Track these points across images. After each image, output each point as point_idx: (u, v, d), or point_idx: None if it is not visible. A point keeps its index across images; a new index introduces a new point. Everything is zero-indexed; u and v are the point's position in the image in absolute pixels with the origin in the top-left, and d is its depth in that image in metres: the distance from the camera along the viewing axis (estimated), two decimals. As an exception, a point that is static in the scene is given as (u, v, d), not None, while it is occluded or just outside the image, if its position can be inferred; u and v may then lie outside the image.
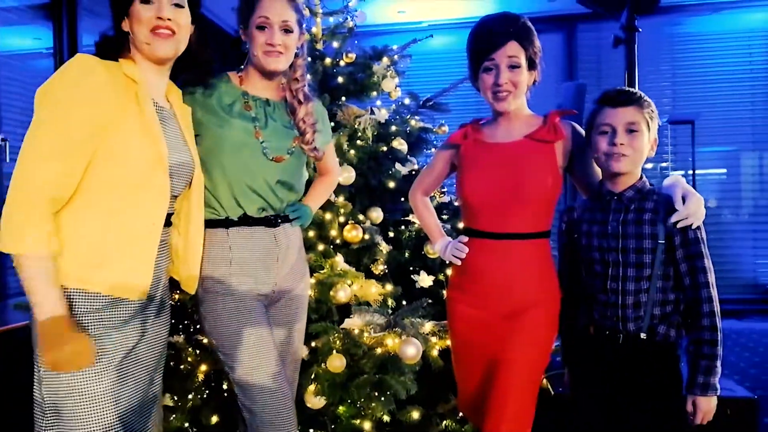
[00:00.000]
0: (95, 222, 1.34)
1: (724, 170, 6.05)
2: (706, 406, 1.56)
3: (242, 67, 1.74)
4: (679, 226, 1.57)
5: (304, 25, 1.72)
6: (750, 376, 3.78)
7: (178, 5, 1.43)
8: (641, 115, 1.61)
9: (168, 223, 1.52)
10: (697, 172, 5.55)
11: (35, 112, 1.29)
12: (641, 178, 1.67)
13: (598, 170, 1.75)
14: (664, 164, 5.97)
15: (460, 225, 1.95)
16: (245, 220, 1.67)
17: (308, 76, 1.78)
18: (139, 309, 1.44)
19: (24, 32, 4.10)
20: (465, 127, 1.83)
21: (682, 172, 5.65)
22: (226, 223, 1.66)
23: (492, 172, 1.72)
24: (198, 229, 1.60)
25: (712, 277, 1.57)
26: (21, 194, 1.25)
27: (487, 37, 1.69)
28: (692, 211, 1.56)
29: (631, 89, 1.67)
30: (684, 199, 1.58)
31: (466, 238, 1.80)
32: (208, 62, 1.60)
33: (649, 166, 6.01)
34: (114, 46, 1.43)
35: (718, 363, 1.55)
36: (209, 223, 1.67)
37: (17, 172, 1.26)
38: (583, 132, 1.76)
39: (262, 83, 1.72)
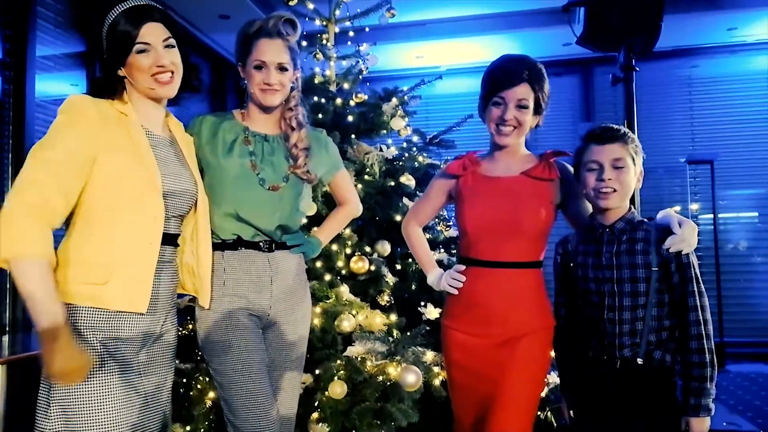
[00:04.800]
0: (98, 243, 1.45)
1: (752, 213, 5.96)
2: (698, 427, 1.58)
3: (245, 104, 1.87)
4: (672, 250, 1.61)
5: (298, 62, 1.84)
6: (774, 420, 3.67)
7: (169, 46, 1.55)
8: (626, 151, 1.68)
9: (174, 243, 1.62)
10: (720, 214, 5.50)
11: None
12: (630, 209, 1.72)
13: (587, 206, 1.82)
14: (693, 207, 5.89)
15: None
16: (239, 244, 1.76)
17: (302, 107, 1.88)
18: (144, 324, 1.52)
19: (61, 78, 4.34)
20: (462, 159, 1.90)
21: (710, 216, 5.58)
22: (222, 247, 1.76)
23: (490, 203, 1.80)
24: (206, 246, 1.70)
25: (703, 301, 1.61)
26: (16, 207, 1.35)
27: (502, 74, 1.77)
28: (686, 236, 1.62)
29: (615, 126, 1.74)
30: (680, 226, 1.63)
31: (462, 267, 1.85)
32: (196, 82, 1.70)
33: (677, 209, 5.94)
34: (109, 89, 1.55)
35: (709, 384, 1.57)
36: None
37: (12, 191, 1.37)
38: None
39: (262, 118, 1.85)
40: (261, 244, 1.78)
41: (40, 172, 1.38)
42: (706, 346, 1.58)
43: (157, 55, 1.51)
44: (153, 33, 1.52)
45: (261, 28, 1.76)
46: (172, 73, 1.55)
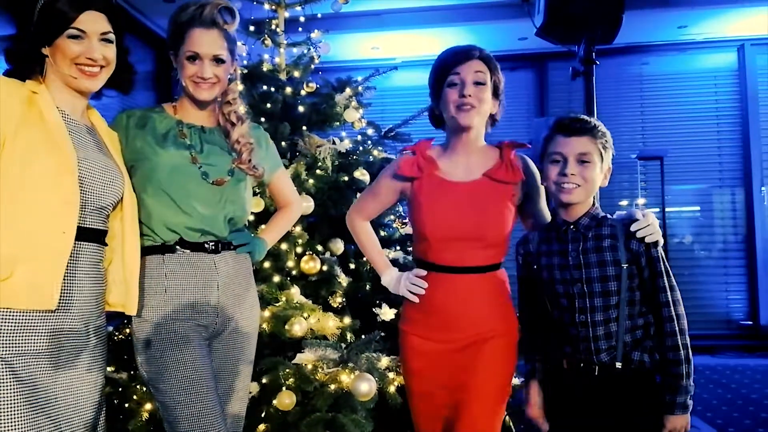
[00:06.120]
0: (1, 235, 1.27)
1: (696, 207, 6.12)
2: (672, 424, 1.53)
3: (176, 97, 1.71)
4: (639, 234, 1.54)
5: (236, 51, 1.69)
6: (722, 413, 3.73)
7: (107, 40, 1.42)
8: (594, 145, 1.59)
9: (101, 242, 1.45)
10: (668, 209, 5.60)
11: None
12: (594, 205, 1.64)
13: (545, 209, 1.75)
14: (639, 201, 6.02)
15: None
16: (182, 246, 1.60)
17: (241, 100, 1.74)
18: (64, 339, 1.35)
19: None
20: (416, 158, 1.74)
21: (657, 209, 5.69)
22: (162, 249, 1.59)
23: (452, 211, 1.68)
24: (134, 248, 1.53)
25: (674, 295, 1.55)
26: None
27: (453, 55, 1.67)
28: (652, 221, 1.56)
29: (586, 118, 1.64)
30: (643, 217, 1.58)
31: (423, 272, 1.73)
32: (129, 82, 1.57)
33: (624, 202, 6.06)
34: (26, 68, 1.40)
35: (685, 382, 1.51)
36: (145, 251, 1.60)
37: None
38: (535, 168, 1.74)
39: (195, 111, 1.69)
40: (206, 244, 1.62)
41: None
42: (680, 343, 1.53)
43: (89, 45, 1.39)
44: (92, 22, 1.39)
45: (195, 17, 1.59)
46: (101, 67, 1.42)
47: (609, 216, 1.64)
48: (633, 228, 1.55)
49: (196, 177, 1.60)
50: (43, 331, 1.31)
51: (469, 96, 1.62)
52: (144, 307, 1.57)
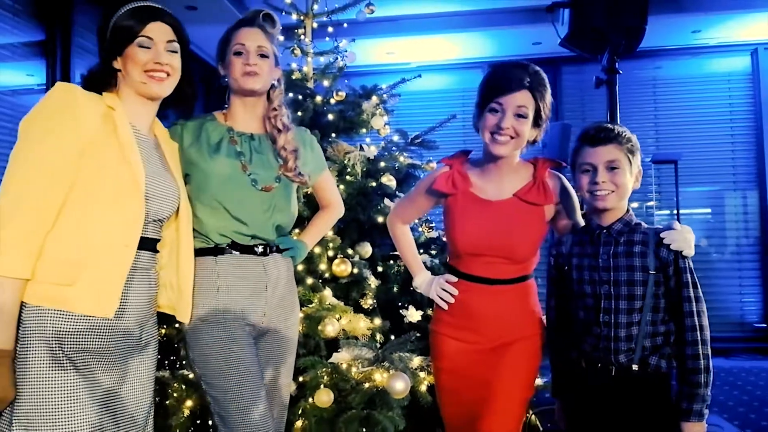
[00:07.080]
0: (70, 240, 1.36)
1: (709, 209, 6.16)
2: (688, 431, 1.57)
3: (226, 105, 1.80)
4: (666, 241, 1.60)
5: (278, 58, 1.79)
6: (738, 415, 3.77)
7: (172, 50, 1.52)
8: (621, 152, 1.65)
9: (154, 249, 1.54)
10: (682, 211, 5.64)
11: (19, 141, 1.36)
12: (628, 211, 1.70)
13: (579, 220, 1.81)
14: (649, 203, 6.06)
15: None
16: (234, 248, 1.68)
17: (286, 108, 1.82)
18: (120, 340, 1.43)
19: (17, 68, 4.14)
20: (451, 173, 1.78)
21: (668, 212, 5.72)
22: (215, 251, 1.68)
23: (483, 228, 1.74)
24: (188, 256, 1.61)
25: (699, 306, 1.60)
26: (6, 220, 1.28)
27: (502, 79, 1.65)
28: (685, 232, 1.61)
29: (610, 125, 1.69)
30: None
31: (454, 279, 1.81)
32: (192, 96, 1.66)
33: (635, 205, 6.11)
34: (101, 81, 1.50)
35: (702, 390, 1.56)
36: (198, 252, 1.68)
37: (2, 199, 1.31)
38: (569, 186, 1.79)
39: (245, 117, 1.77)
40: (255, 248, 1.70)
41: (30, 176, 1.33)
42: (701, 352, 1.57)
43: (157, 52, 1.49)
44: (158, 31, 1.50)
45: (240, 20, 1.74)
46: (167, 75, 1.51)
47: (644, 224, 1.70)
48: (662, 235, 1.61)
49: (246, 185, 1.69)
50: (102, 332, 1.40)
51: (507, 128, 1.63)
52: (196, 305, 1.65)
